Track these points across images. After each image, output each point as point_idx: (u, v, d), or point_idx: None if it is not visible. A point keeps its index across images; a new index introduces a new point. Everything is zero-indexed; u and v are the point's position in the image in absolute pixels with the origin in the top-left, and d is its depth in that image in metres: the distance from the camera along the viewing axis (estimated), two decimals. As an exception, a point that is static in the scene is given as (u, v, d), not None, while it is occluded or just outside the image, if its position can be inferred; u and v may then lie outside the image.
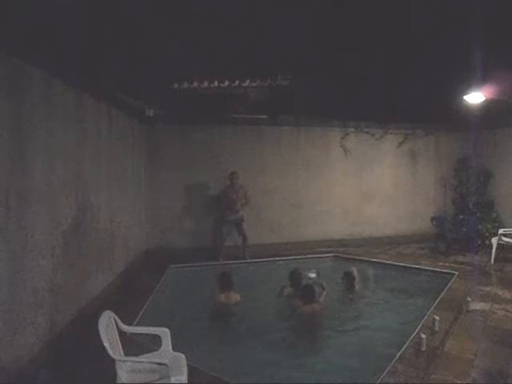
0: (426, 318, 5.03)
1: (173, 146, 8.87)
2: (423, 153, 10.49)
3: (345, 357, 4.49)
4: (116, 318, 3.46)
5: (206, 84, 6.78)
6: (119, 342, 3.38)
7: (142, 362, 3.36)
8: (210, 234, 8.78)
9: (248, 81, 6.72)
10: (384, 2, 4.35)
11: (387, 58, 5.61)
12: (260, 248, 8.84)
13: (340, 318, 5.59)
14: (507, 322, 5.01)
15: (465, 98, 7.51)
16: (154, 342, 3.63)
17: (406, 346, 4.29)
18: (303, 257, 8.24)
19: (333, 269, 7.99)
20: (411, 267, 7.71)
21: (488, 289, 6.30)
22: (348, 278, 6.48)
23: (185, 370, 3.24)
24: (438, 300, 5.71)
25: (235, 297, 5.81)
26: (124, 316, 3.77)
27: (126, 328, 3.56)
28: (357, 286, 6.45)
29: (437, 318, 4.72)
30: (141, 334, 3.93)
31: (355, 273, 6.54)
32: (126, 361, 3.26)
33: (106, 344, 3.01)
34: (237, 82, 6.73)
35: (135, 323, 4.77)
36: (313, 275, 7.07)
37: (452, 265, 7.81)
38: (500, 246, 7.92)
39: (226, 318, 5.67)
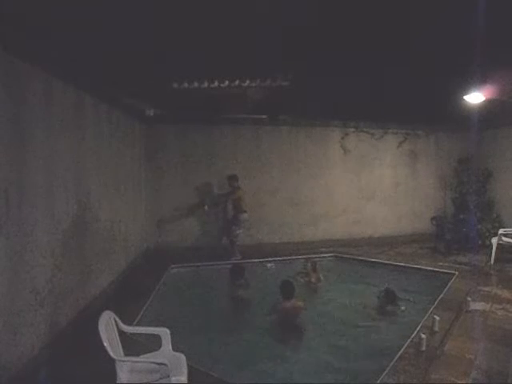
0: (425, 317, 5.03)
1: (172, 145, 8.88)
2: (423, 153, 10.50)
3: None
4: (116, 317, 3.46)
5: (206, 84, 6.75)
6: (119, 342, 3.38)
7: (142, 361, 3.36)
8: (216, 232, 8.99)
9: (248, 81, 6.69)
10: (384, 3, 4.36)
11: (387, 58, 5.61)
12: (260, 248, 8.87)
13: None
14: (507, 321, 5.01)
15: (465, 97, 7.51)
16: (154, 342, 3.63)
17: (405, 346, 4.29)
18: (303, 257, 8.22)
19: (333, 268, 8.00)
20: (411, 267, 7.71)
21: (488, 289, 6.30)
22: (389, 295, 5.88)
23: (185, 370, 3.24)
24: (437, 300, 5.71)
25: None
26: (124, 316, 3.77)
27: (126, 328, 3.56)
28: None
29: (437, 317, 4.71)
30: (141, 333, 3.94)
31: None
32: (126, 361, 3.26)
33: (105, 344, 3.01)
34: (237, 82, 6.71)
35: (135, 323, 4.77)
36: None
37: (452, 265, 7.82)
38: (500, 246, 7.92)
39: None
